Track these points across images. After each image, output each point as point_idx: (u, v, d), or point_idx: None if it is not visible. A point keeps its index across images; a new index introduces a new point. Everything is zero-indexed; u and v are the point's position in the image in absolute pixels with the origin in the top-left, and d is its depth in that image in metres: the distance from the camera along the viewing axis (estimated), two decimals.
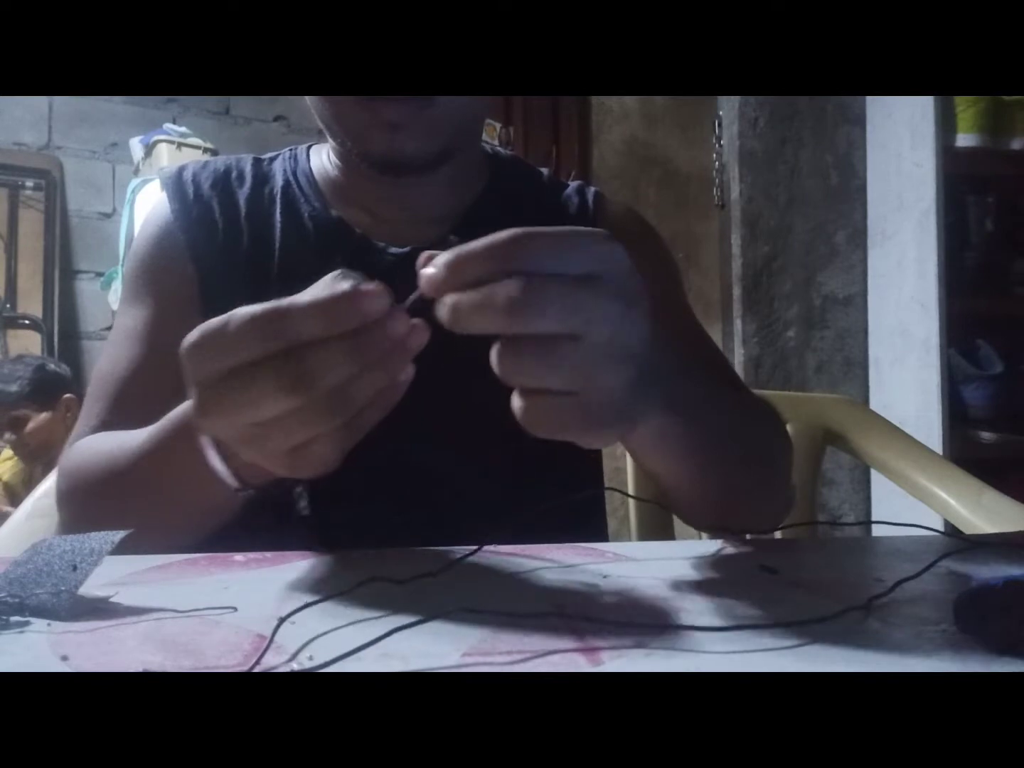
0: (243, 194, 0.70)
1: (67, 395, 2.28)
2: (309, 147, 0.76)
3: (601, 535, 0.73)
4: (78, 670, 0.28)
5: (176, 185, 0.70)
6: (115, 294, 2.54)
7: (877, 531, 1.44)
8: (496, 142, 2.26)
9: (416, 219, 0.69)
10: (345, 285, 0.38)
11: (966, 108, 1.80)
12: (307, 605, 0.34)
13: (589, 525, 0.70)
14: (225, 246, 0.68)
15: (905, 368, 1.87)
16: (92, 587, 0.37)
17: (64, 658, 0.29)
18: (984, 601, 0.30)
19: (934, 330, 1.77)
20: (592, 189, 0.76)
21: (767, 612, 0.35)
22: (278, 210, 0.69)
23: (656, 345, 0.39)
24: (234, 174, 0.72)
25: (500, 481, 0.62)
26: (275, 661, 0.28)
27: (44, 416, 2.25)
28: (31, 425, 2.23)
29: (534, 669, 0.28)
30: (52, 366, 2.37)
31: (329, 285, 0.40)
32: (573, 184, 0.77)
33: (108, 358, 0.67)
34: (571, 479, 0.61)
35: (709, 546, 0.49)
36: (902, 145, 1.87)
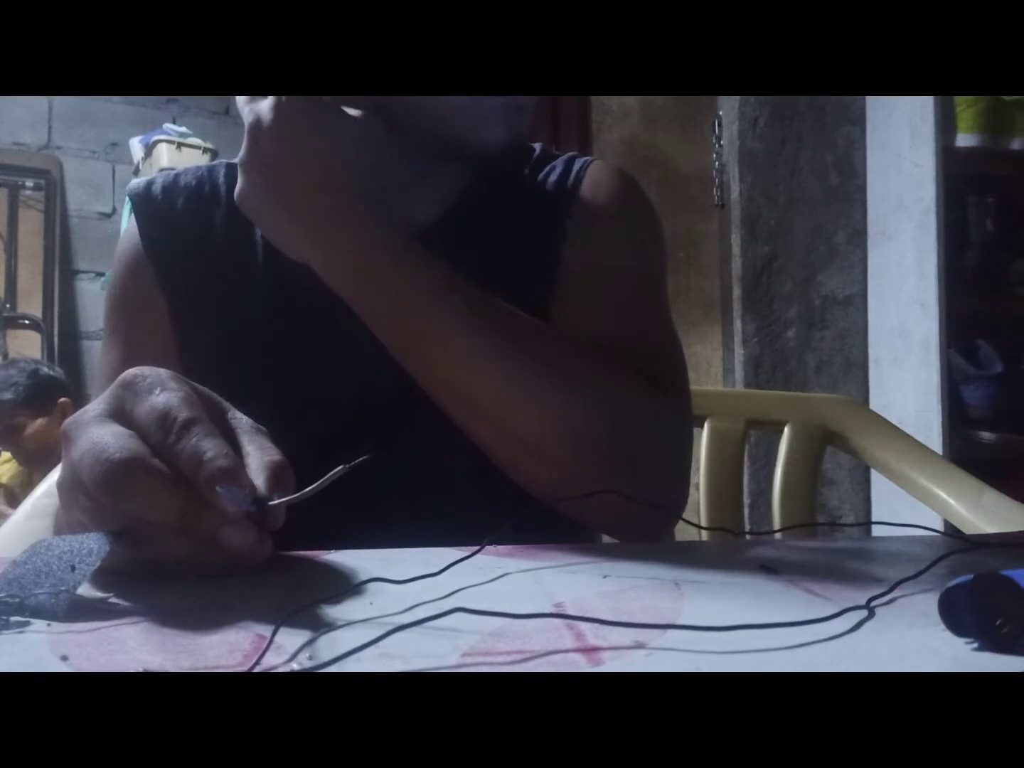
0: (219, 214, 0.66)
1: (62, 399, 2.25)
2: None
3: (594, 535, 0.73)
4: (78, 670, 0.28)
5: (145, 206, 0.67)
6: None
7: (877, 531, 1.44)
8: None
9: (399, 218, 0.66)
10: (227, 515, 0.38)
11: (966, 108, 1.80)
12: (307, 605, 0.34)
13: (580, 525, 0.69)
14: (200, 275, 0.65)
15: (905, 368, 1.87)
16: (92, 587, 0.37)
17: (64, 658, 0.29)
18: (958, 598, 0.30)
19: (934, 330, 1.77)
20: (583, 159, 0.71)
21: (767, 612, 0.35)
22: (258, 230, 0.65)
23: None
24: (207, 188, 0.68)
25: (500, 481, 0.62)
26: (275, 661, 0.28)
27: (40, 422, 2.20)
28: (28, 432, 2.20)
29: (534, 669, 0.28)
30: (46, 370, 2.33)
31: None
32: (562, 156, 0.72)
33: (95, 394, 0.66)
34: None
35: (709, 546, 0.49)
36: (902, 145, 1.87)
